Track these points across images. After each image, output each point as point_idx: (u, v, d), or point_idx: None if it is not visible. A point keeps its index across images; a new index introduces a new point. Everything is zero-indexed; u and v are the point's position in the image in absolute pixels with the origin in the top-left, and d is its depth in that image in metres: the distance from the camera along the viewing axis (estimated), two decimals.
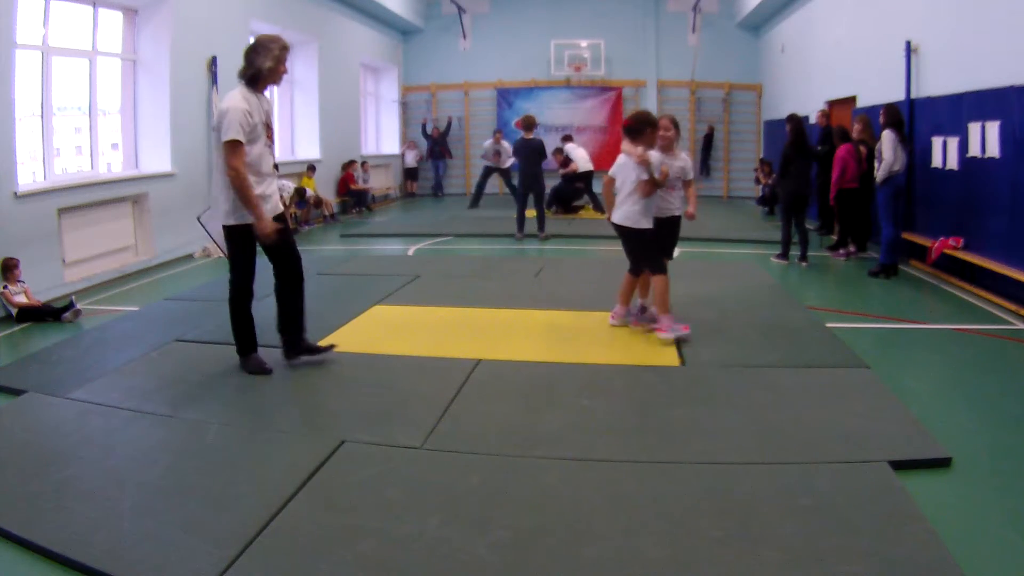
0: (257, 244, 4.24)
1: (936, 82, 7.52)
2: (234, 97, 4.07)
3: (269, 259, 4.38)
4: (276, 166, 4.43)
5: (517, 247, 9.49)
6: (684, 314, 5.45)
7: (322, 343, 4.69)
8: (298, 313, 4.47)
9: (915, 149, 7.79)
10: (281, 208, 4.39)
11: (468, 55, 16.80)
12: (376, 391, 4.06)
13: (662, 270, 4.94)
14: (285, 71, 4.25)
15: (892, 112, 7.14)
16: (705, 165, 16.11)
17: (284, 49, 4.19)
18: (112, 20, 8.12)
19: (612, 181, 5.04)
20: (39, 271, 6.38)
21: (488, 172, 13.68)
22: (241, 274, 4.27)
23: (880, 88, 8.77)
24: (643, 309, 5.31)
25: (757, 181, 14.06)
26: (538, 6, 16.42)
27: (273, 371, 4.34)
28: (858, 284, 7.06)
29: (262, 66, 4.11)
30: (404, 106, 17.09)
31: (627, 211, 4.95)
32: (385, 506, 2.76)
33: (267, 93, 4.31)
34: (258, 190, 4.10)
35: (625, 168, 4.94)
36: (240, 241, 4.21)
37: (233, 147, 3.98)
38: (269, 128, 4.25)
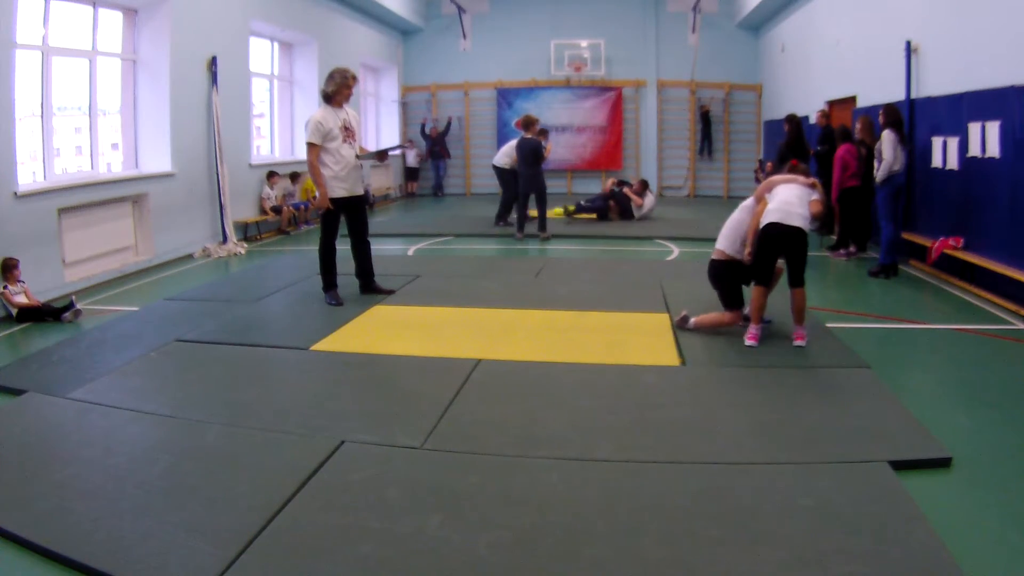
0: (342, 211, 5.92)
1: (936, 82, 7.51)
2: (316, 111, 5.80)
3: (346, 222, 6.01)
4: (357, 156, 5.91)
5: (517, 247, 9.49)
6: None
7: (322, 343, 4.94)
8: (366, 263, 6.22)
9: (915, 149, 7.79)
10: (361, 191, 6.04)
11: (468, 55, 16.78)
12: (376, 391, 4.06)
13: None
14: (350, 93, 5.81)
15: (891, 112, 7.14)
16: (705, 146, 16.18)
17: (345, 76, 5.78)
18: (112, 20, 8.11)
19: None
20: (39, 271, 6.38)
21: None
22: (326, 231, 6.02)
23: (880, 88, 8.76)
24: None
25: (757, 181, 14.05)
26: (538, 6, 16.40)
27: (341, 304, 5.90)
28: (858, 284, 7.05)
29: (328, 90, 5.79)
30: (404, 106, 17.08)
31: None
32: (385, 506, 2.76)
33: (346, 106, 5.89)
34: (343, 173, 5.78)
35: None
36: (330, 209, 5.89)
37: (309, 146, 5.68)
38: (347, 131, 5.78)
